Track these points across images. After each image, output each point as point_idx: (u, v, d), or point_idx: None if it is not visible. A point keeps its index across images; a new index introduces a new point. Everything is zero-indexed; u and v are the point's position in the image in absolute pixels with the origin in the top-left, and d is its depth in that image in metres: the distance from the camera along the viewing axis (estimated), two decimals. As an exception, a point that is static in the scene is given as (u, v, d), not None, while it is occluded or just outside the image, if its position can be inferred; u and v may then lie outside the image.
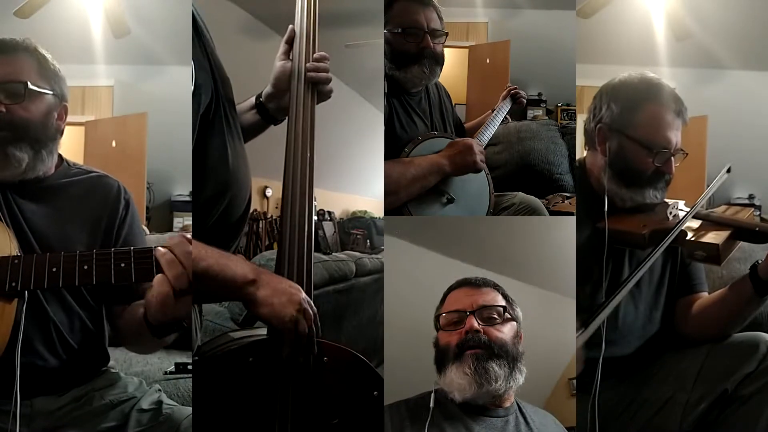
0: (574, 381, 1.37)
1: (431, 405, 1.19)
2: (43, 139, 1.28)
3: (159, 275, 1.07)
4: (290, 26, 1.28)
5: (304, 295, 1.07)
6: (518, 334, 1.25)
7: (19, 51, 1.28)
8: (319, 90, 1.24)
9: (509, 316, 1.25)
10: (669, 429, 1.37)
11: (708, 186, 1.42)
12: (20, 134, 1.25)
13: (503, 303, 1.26)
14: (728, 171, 1.44)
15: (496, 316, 1.23)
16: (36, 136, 1.27)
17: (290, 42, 1.28)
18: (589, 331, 1.26)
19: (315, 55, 1.25)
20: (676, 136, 1.41)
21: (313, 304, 1.09)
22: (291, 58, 1.27)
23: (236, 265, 1.05)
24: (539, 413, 1.27)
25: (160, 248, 1.09)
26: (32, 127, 1.26)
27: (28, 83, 1.26)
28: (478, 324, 1.21)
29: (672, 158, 1.41)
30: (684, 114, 1.43)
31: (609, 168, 1.42)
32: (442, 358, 1.22)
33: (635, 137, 1.41)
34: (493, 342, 1.20)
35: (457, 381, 1.17)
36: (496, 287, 1.29)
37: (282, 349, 1.07)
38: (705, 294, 1.51)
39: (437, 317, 1.27)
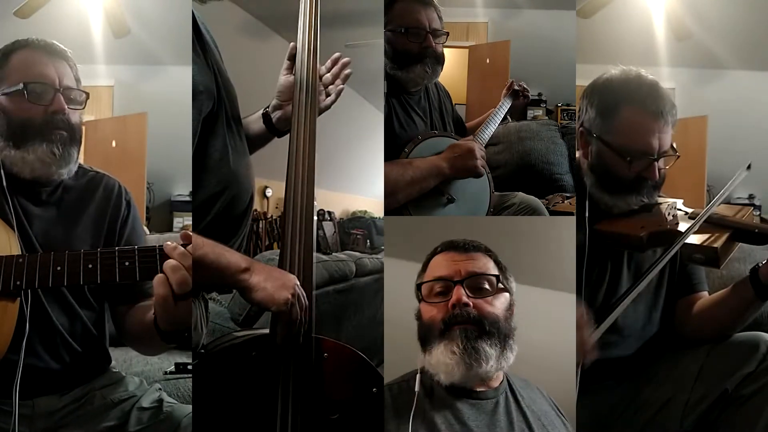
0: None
1: (417, 389, 1.07)
2: (79, 144, 1.33)
3: (159, 276, 1.08)
4: (291, 44, 1.31)
5: (297, 281, 1.09)
6: (511, 306, 1.11)
7: (70, 59, 1.32)
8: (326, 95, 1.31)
9: (502, 286, 1.10)
10: (669, 429, 1.36)
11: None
12: (74, 137, 1.30)
13: (496, 271, 1.11)
14: (748, 168, 1.36)
15: (487, 287, 1.09)
16: (79, 139, 1.32)
17: (292, 59, 1.31)
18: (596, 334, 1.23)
19: (344, 60, 1.34)
20: (659, 140, 1.33)
21: (305, 296, 1.10)
22: (293, 72, 1.30)
23: (230, 255, 1.09)
24: (528, 387, 1.20)
25: (167, 244, 1.10)
26: (78, 131, 1.31)
27: (89, 94, 1.32)
28: (467, 296, 1.06)
29: (655, 163, 1.34)
30: (666, 115, 1.33)
31: (591, 173, 1.39)
32: (427, 335, 1.09)
33: (611, 143, 1.35)
34: (484, 317, 1.05)
35: (444, 361, 1.05)
36: (487, 252, 1.14)
37: (277, 336, 1.09)
38: (705, 294, 1.50)
39: (418, 286, 1.13)
